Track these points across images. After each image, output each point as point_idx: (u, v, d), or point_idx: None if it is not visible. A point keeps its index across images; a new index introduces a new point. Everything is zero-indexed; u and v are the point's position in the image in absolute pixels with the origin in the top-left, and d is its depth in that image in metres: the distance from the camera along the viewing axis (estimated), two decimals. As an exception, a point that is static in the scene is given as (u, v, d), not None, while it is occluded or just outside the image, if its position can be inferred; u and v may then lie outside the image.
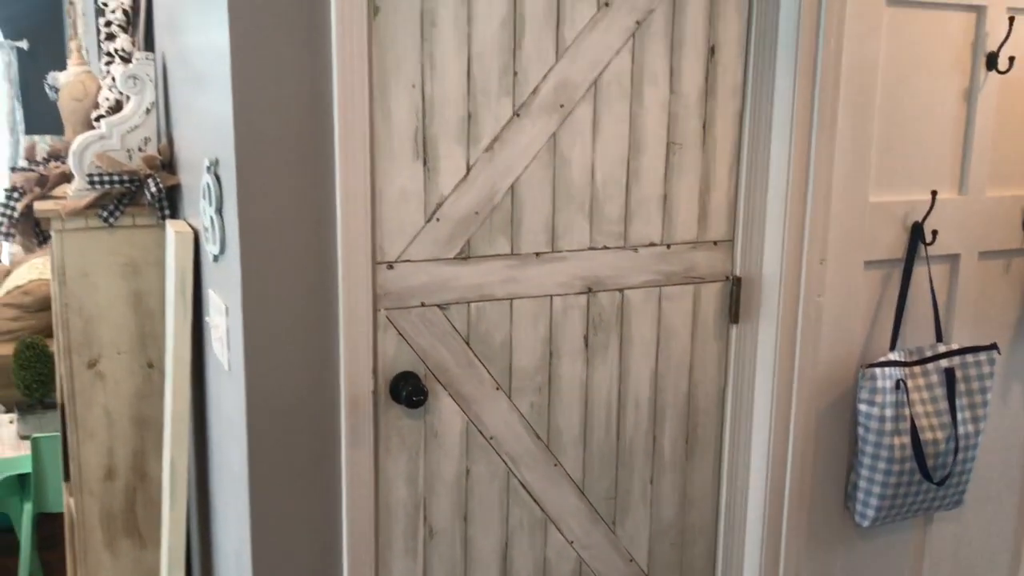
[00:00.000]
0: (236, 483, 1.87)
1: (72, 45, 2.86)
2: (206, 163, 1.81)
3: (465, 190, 1.83)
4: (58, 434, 3.38)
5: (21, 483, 3.66)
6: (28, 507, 3.51)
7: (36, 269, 4.72)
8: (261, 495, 1.76)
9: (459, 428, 1.92)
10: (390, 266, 1.79)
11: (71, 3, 5.24)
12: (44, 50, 6.76)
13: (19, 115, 6.74)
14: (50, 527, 3.75)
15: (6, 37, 6.68)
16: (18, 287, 4.54)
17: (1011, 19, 2.24)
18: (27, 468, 3.50)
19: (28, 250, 2.66)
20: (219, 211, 1.78)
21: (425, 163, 1.78)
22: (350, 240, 1.72)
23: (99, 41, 3.95)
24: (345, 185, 1.69)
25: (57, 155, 2.94)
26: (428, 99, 1.76)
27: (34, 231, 2.53)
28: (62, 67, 6.95)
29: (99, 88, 2.89)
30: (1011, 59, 2.26)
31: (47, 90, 3.43)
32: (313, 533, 1.81)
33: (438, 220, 1.82)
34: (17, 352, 3.54)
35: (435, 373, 1.87)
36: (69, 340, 2.29)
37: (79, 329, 2.30)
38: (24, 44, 6.69)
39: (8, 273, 5.54)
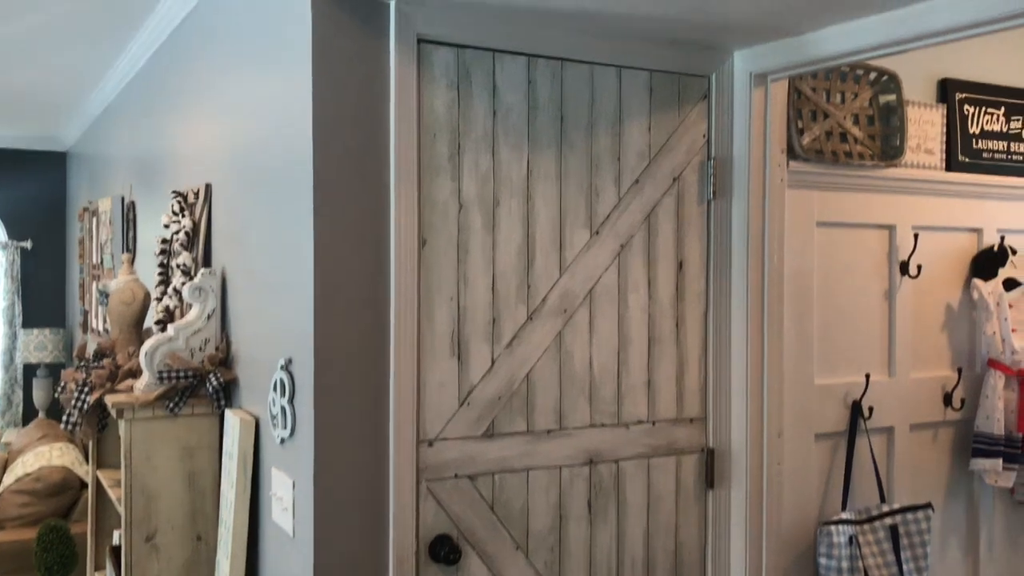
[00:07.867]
0: (296, 636, 2.17)
1: (124, 257, 3.30)
2: (281, 362, 2.22)
3: (490, 379, 2.25)
4: (81, 613, 3.58)
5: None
6: None
7: (43, 457, 4.94)
8: (322, 644, 2.06)
9: (485, 583, 2.25)
10: (430, 443, 2.18)
11: (87, 210, 5.72)
12: (46, 249, 7.22)
13: (18, 309, 7.10)
14: None
15: (11, 237, 7.15)
16: (28, 474, 4.75)
17: (916, 235, 2.79)
18: (44, 649, 3.67)
19: (88, 438, 2.99)
20: (291, 401, 2.17)
21: (459, 358, 2.21)
22: (400, 423, 2.12)
23: (125, 244, 4.41)
24: (398, 378, 2.11)
25: (104, 353, 3.30)
26: (462, 308, 2.21)
27: (98, 421, 2.88)
28: (61, 265, 7.34)
29: (146, 293, 3.31)
30: (919, 266, 2.79)
31: (98, 295, 3.83)
32: None
33: (468, 404, 2.22)
34: (41, 535, 3.77)
35: (465, 535, 2.23)
36: (131, 516, 2.60)
37: (140, 506, 2.61)
38: (28, 244, 7.14)
39: (5, 462, 5.73)
